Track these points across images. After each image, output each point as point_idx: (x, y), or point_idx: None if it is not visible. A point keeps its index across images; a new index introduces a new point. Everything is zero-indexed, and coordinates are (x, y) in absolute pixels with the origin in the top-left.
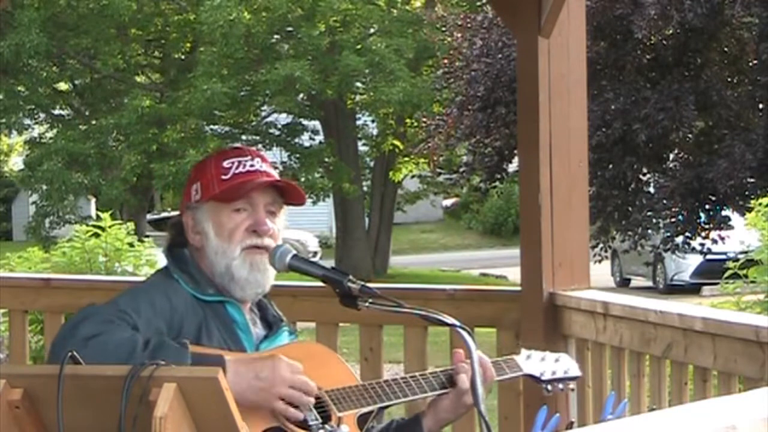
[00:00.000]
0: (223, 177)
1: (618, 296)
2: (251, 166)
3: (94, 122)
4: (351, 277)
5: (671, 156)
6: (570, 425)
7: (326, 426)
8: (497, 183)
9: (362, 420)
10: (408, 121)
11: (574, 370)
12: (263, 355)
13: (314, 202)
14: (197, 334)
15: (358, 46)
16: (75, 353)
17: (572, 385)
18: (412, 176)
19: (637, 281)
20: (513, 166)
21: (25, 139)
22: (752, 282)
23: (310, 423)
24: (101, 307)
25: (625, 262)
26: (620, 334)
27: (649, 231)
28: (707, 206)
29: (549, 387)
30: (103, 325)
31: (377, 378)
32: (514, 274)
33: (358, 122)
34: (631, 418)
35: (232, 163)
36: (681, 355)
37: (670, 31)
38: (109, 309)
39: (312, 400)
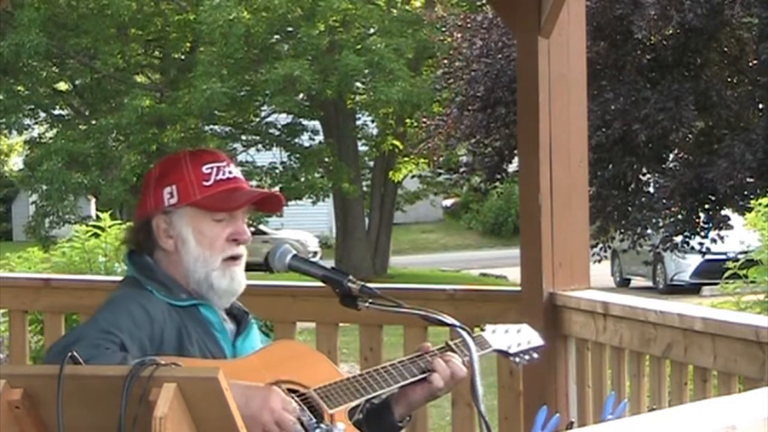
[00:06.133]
0: (205, 183)
1: (618, 296)
2: (230, 173)
3: (94, 122)
4: (351, 277)
5: (671, 156)
6: (570, 425)
7: (321, 425)
8: (497, 183)
9: (351, 412)
10: (408, 121)
11: (537, 340)
12: (259, 385)
13: (314, 202)
14: (179, 339)
15: (358, 46)
16: (75, 353)
17: (536, 354)
18: (412, 176)
19: (637, 281)
20: (513, 166)
21: (25, 139)
22: (752, 282)
23: (306, 423)
24: (85, 328)
25: (625, 262)
26: (620, 334)
27: (649, 231)
28: (707, 206)
29: (517, 359)
30: (92, 350)
31: None
32: (514, 274)
33: (358, 122)
34: (631, 418)
35: (212, 168)
36: (681, 355)
37: (670, 31)
38: (94, 331)
39: None
